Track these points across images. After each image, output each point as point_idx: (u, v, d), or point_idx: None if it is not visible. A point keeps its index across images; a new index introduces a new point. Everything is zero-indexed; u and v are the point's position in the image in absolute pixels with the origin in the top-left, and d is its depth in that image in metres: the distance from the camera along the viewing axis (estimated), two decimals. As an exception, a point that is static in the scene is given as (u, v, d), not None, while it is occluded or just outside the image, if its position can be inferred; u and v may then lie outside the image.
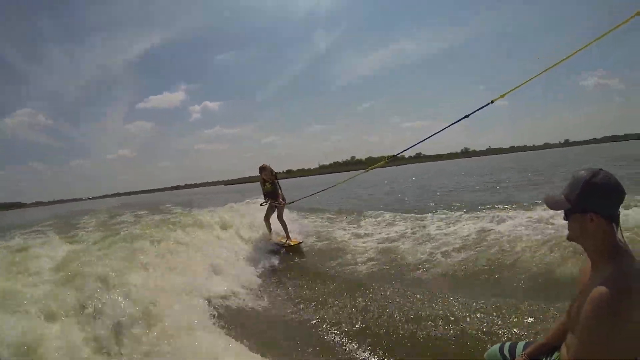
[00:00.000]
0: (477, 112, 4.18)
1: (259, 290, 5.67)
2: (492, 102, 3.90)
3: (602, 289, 1.33)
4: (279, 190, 8.46)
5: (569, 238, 1.58)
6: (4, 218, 41.98)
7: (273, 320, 4.65)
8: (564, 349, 1.70)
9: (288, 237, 8.35)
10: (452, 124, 4.50)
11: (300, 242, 8.24)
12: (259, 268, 6.88)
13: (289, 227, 8.56)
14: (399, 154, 5.89)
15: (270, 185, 8.40)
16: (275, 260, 7.41)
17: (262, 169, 8.40)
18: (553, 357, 1.81)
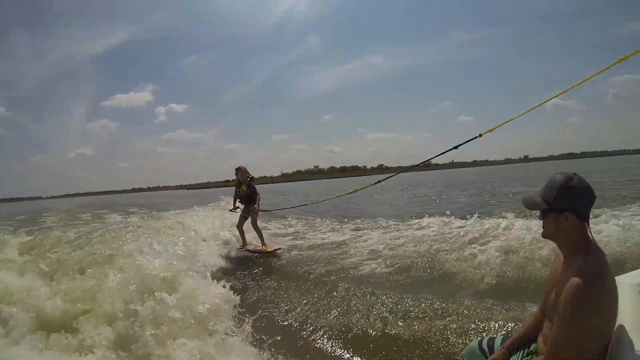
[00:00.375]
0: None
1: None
2: (480, 135, 3.91)
3: (575, 281, 1.47)
4: (256, 194, 8.16)
5: (544, 235, 1.72)
6: None
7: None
8: (540, 339, 1.84)
9: (264, 244, 8.06)
10: (443, 153, 4.54)
11: (278, 248, 7.87)
12: (234, 275, 6.60)
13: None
14: (381, 181, 6.23)
15: (247, 188, 8.12)
16: (251, 266, 7.14)
17: (238, 169, 8.15)
18: (531, 349, 1.91)
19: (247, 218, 8.20)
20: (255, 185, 8.34)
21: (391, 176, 6.37)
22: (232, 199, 8.50)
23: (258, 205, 8.08)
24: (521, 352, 1.92)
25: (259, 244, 8.18)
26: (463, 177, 45.90)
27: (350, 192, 7.08)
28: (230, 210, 8.63)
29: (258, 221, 8.30)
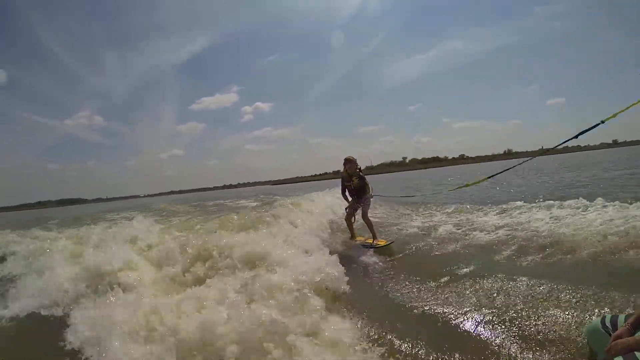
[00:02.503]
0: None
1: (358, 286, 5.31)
2: (602, 122, 3.69)
3: None
4: (368, 185, 7.69)
5: None
6: (80, 210, 42.37)
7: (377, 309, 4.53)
8: None
9: (375, 237, 7.52)
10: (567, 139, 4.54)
11: (391, 242, 7.30)
12: (352, 267, 6.23)
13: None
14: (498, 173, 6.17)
15: (358, 180, 7.59)
16: (366, 259, 6.70)
17: (348, 161, 7.57)
18: None
19: (357, 210, 7.86)
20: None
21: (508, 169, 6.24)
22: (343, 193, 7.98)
23: (371, 192, 7.78)
24: None
25: (369, 237, 7.75)
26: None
27: (461, 187, 7.26)
28: (346, 209, 8.08)
29: (369, 213, 7.87)
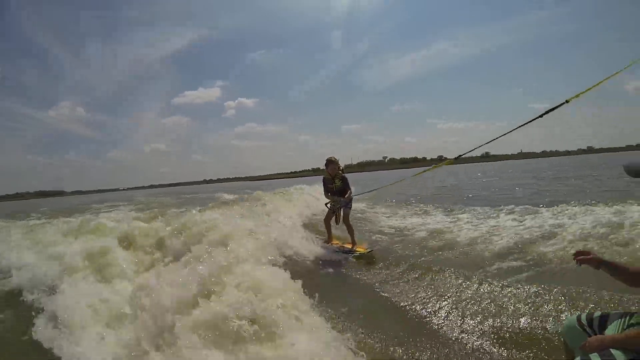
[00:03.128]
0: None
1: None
2: (567, 101, 3.64)
3: None
4: (349, 188, 7.35)
5: None
6: (59, 202, 43.29)
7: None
8: None
9: (354, 243, 7.21)
10: (521, 125, 4.17)
11: (371, 250, 6.90)
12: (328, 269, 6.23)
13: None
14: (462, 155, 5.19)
15: (340, 182, 7.33)
16: (343, 265, 6.42)
17: (329, 162, 7.27)
18: (632, 321, 1.88)
19: (336, 211, 7.48)
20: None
21: (430, 168, 6.27)
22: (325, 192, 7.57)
23: (350, 195, 7.30)
24: (622, 319, 1.92)
25: (348, 241, 7.50)
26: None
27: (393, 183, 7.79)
28: (326, 204, 7.68)
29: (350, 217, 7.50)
